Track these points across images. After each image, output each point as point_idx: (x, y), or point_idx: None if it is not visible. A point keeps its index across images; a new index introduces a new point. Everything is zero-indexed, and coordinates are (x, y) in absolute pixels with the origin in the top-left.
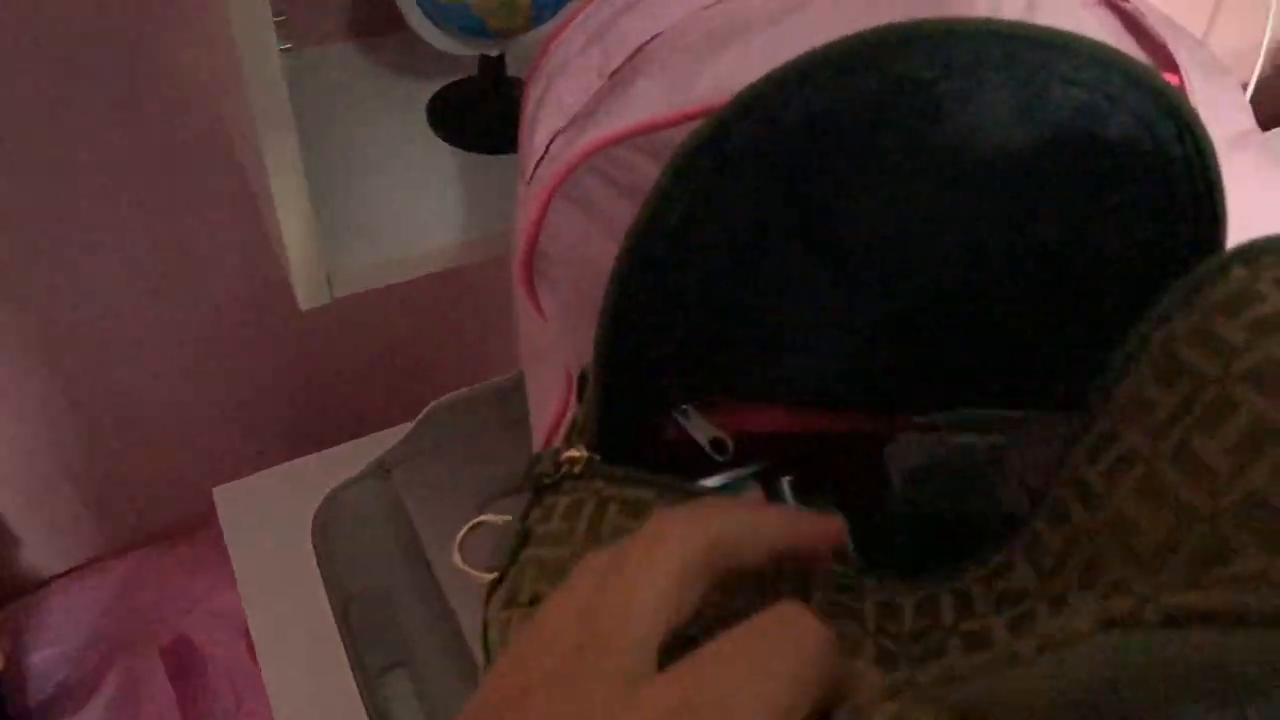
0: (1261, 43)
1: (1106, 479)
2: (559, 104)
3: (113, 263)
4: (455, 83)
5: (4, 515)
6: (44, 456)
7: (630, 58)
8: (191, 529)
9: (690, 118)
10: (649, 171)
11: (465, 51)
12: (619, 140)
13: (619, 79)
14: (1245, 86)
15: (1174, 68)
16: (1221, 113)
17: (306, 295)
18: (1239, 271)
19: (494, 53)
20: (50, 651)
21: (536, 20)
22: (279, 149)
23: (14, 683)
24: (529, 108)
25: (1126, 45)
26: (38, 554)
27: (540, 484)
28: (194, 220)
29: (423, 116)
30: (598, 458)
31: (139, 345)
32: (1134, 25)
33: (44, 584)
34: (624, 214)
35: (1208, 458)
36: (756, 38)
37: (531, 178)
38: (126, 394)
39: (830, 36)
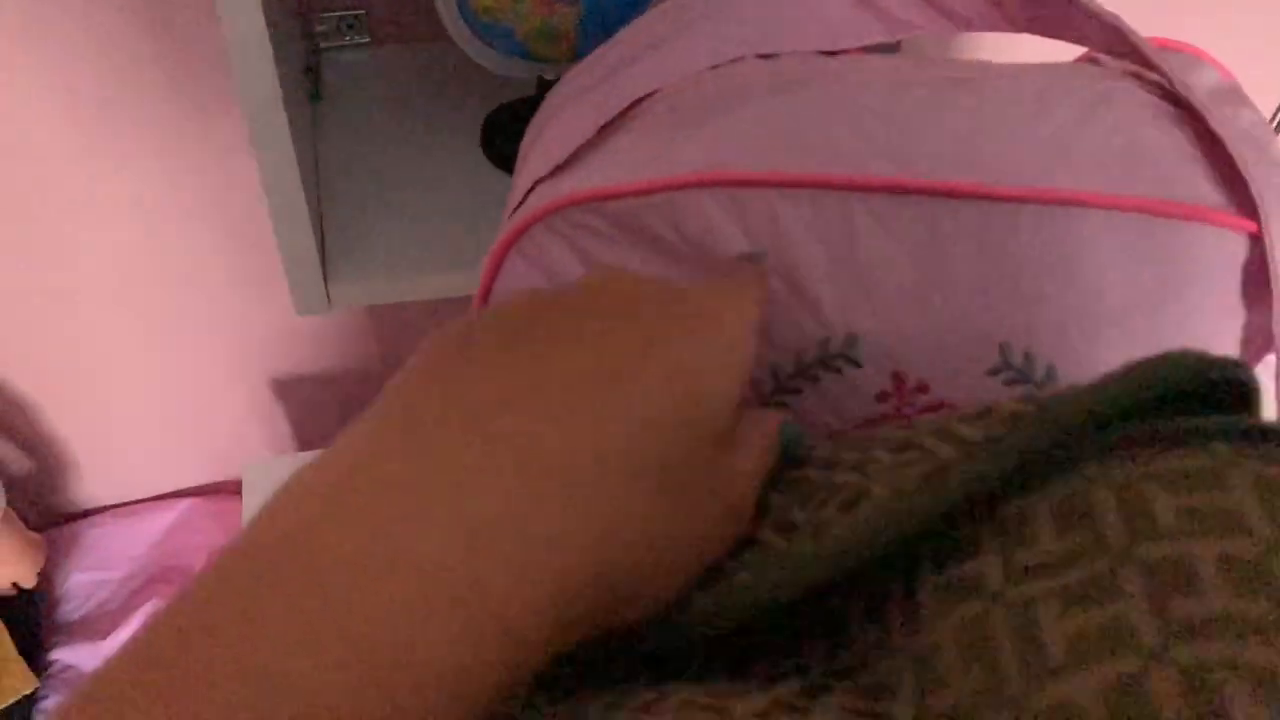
0: None
1: (937, 597)
2: (545, 150)
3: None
4: (510, 103)
5: (68, 440)
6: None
7: (623, 113)
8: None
9: (657, 189)
10: (610, 236)
11: (516, 74)
12: (581, 202)
13: (606, 133)
14: None
15: (1252, 210)
16: None
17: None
18: (1220, 447)
19: (551, 76)
20: (91, 575)
21: (581, 51)
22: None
23: (51, 599)
24: (526, 142)
25: (1199, 172)
26: (94, 483)
27: None
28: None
29: (476, 135)
30: None
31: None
32: (1208, 145)
33: (97, 511)
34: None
35: (1049, 634)
36: (747, 110)
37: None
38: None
39: (826, 115)
